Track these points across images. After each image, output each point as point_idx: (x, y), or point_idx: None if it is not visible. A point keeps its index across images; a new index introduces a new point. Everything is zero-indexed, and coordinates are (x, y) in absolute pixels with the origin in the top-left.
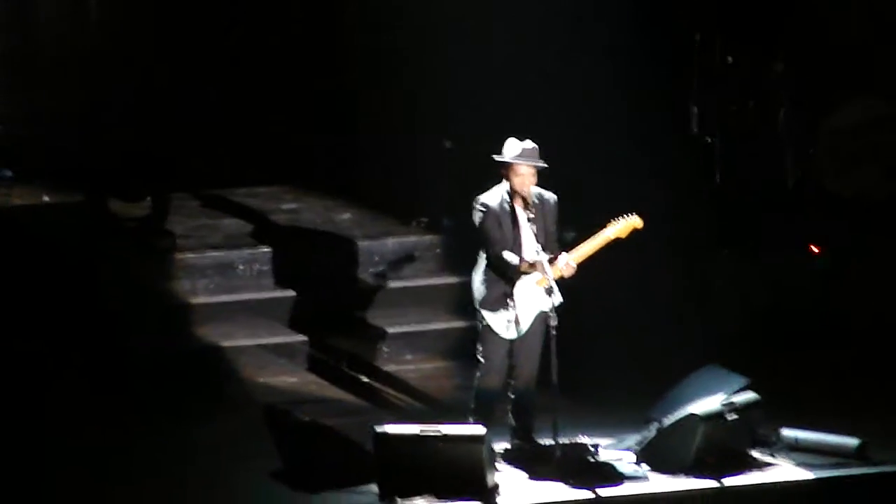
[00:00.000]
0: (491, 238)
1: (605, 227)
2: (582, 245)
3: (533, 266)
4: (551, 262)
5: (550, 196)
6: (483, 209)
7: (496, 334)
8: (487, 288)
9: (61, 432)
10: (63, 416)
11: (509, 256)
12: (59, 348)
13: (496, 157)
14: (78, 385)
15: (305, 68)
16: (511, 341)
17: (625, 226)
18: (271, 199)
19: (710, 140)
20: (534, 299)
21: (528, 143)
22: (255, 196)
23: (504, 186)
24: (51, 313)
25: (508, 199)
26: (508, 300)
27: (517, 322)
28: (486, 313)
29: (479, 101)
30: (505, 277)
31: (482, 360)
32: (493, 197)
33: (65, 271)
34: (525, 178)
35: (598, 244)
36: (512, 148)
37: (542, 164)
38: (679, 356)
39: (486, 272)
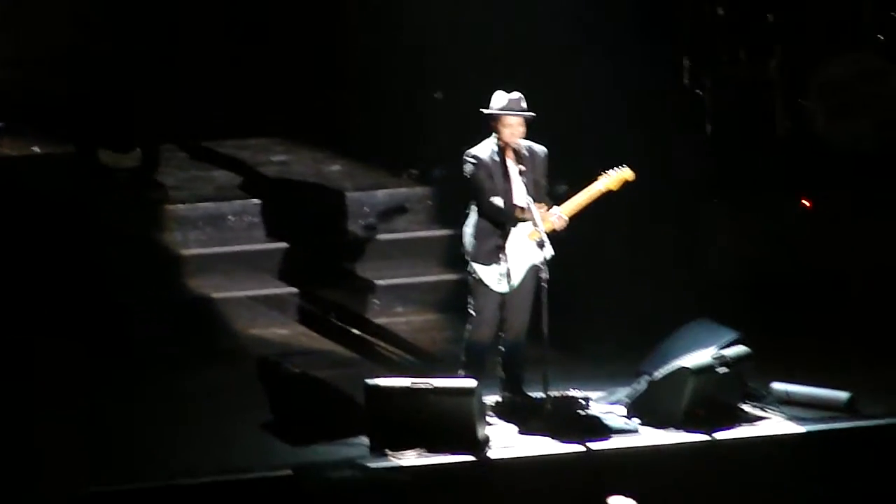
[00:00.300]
0: (483, 188)
1: (596, 179)
2: (573, 198)
3: (526, 211)
4: (543, 215)
5: (541, 149)
6: (473, 161)
7: (487, 287)
8: (479, 241)
9: (54, 384)
10: (55, 367)
11: (502, 204)
12: (50, 299)
13: (484, 111)
14: (70, 336)
15: (297, 20)
16: (502, 294)
17: (616, 178)
18: (262, 151)
19: (701, 92)
20: (525, 253)
21: (515, 95)
22: (245, 148)
23: (494, 139)
24: (41, 264)
25: (498, 152)
26: (500, 254)
27: (509, 275)
28: (477, 267)
29: (469, 52)
30: (499, 226)
31: (473, 313)
32: (483, 150)
33: (56, 222)
34: (513, 129)
35: (590, 197)
36: (499, 100)
37: (529, 114)
38: (670, 309)
39: (477, 225)
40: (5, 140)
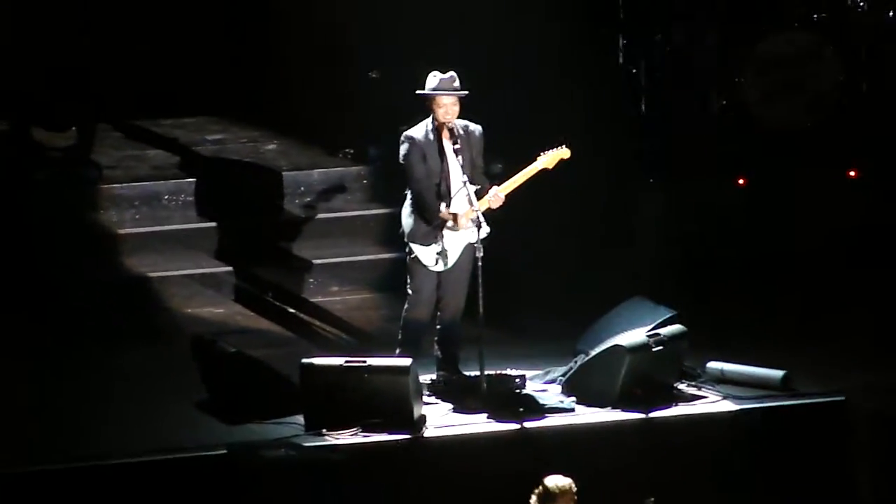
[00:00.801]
0: (414, 174)
1: (533, 159)
2: (511, 178)
3: (452, 218)
4: (479, 193)
5: (476, 127)
6: (407, 142)
7: (425, 266)
8: (416, 221)
9: None
10: None
11: (430, 200)
12: None
13: (418, 92)
14: (4, 315)
15: None
16: (439, 274)
17: (552, 157)
18: (197, 130)
19: (634, 70)
20: (461, 232)
21: (448, 74)
22: (181, 127)
23: (430, 119)
24: None
25: (434, 131)
26: (437, 233)
27: (445, 255)
28: (414, 246)
29: (405, 30)
30: (423, 218)
31: (411, 292)
32: (419, 130)
33: None
34: (447, 108)
35: (526, 175)
36: (432, 80)
37: (462, 93)
38: (606, 287)
39: (414, 205)
40: None
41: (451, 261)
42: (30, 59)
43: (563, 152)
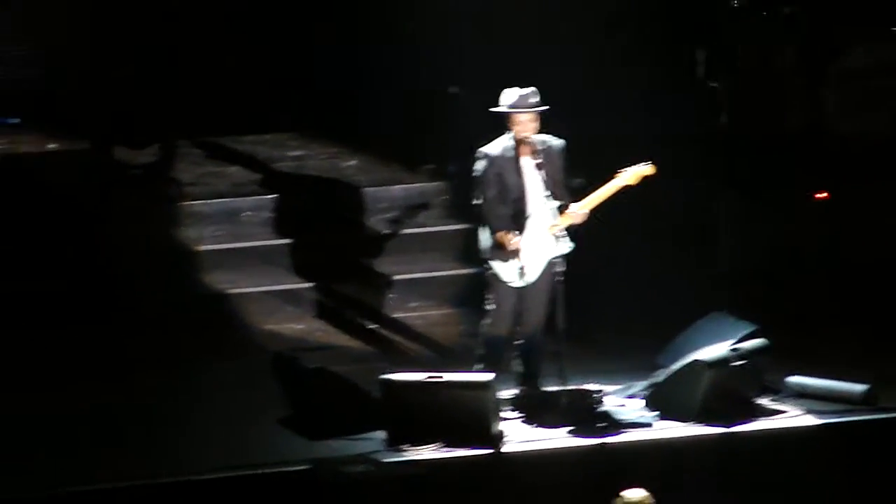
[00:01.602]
0: (485, 192)
1: (615, 175)
2: (592, 194)
3: (507, 242)
4: (561, 209)
5: (557, 142)
6: (484, 159)
7: (505, 282)
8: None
9: (68, 378)
10: (70, 362)
11: (493, 221)
12: (66, 295)
13: (493, 110)
14: (85, 332)
15: (311, 16)
16: (519, 289)
17: (635, 173)
18: (277, 147)
19: (716, 84)
20: (542, 247)
21: (525, 90)
22: (261, 143)
23: (508, 135)
24: (57, 261)
25: (512, 148)
26: (517, 249)
27: (525, 270)
28: (494, 263)
29: (485, 46)
30: (515, 221)
31: (490, 307)
32: (496, 146)
33: (71, 219)
34: (525, 125)
35: (609, 192)
36: (508, 97)
37: (539, 109)
38: (687, 303)
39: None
40: (22, 137)
41: (531, 277)
42: (111, 77)
43: (647, 169)
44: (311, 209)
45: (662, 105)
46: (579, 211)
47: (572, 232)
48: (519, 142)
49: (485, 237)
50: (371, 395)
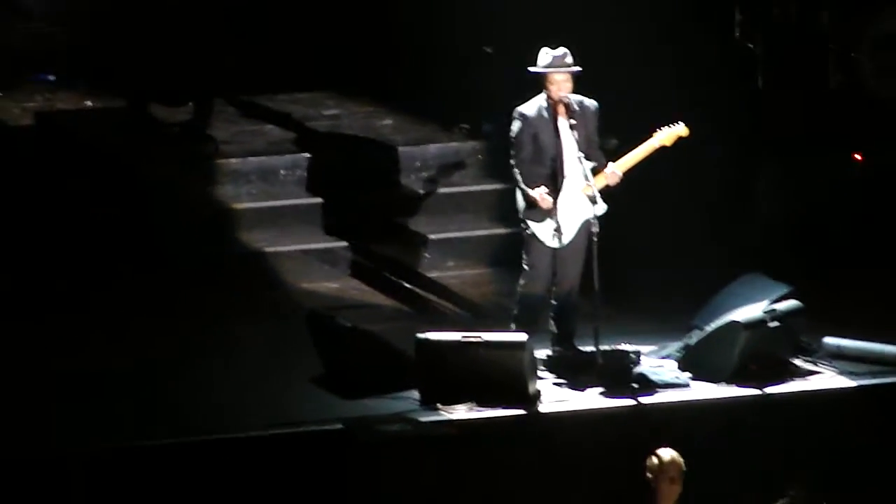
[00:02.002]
0: (520, 152)
1: (650, 135)
2: (628, 154)
3: (541, 200)
4: (596, 170)
5: (591, 103)
6: (519, 119)
7: (541, 242)
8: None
9: (106, 337)
10: (108, 321)
11: (527, 180)
12: (100, 253)
13: (530, 69)
14: (122, 290)
15: None
16: (555, 249)
17: (670, 134)
18: (312, 105)
19: (751, 45)
20: (578, 208)
21: (560, 51)
22: (296, 102)
23: (543, 96)
24: (93, 218)
25: (547, 108)
26: (552, 209)
27: (561, 231)
28: (530, 222)
29: (519, 5)
30: (550, 181)
31: (526, 267)
32: (531, 107)
33: (107, 176)
34: (560, 84)
35: (644, 153)
36: (543, 57)
37: (575, 69)
38: (722, 264)
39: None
40: (58, 94)
41: (567, 237)
42: (146, 34)
43: (682, 130)
44: (346, 168)
45: (698, 66)
46: (614, 172)
47: (608, 193)
48: (554, 102)
49: (521, 197)
50: (406, 354)
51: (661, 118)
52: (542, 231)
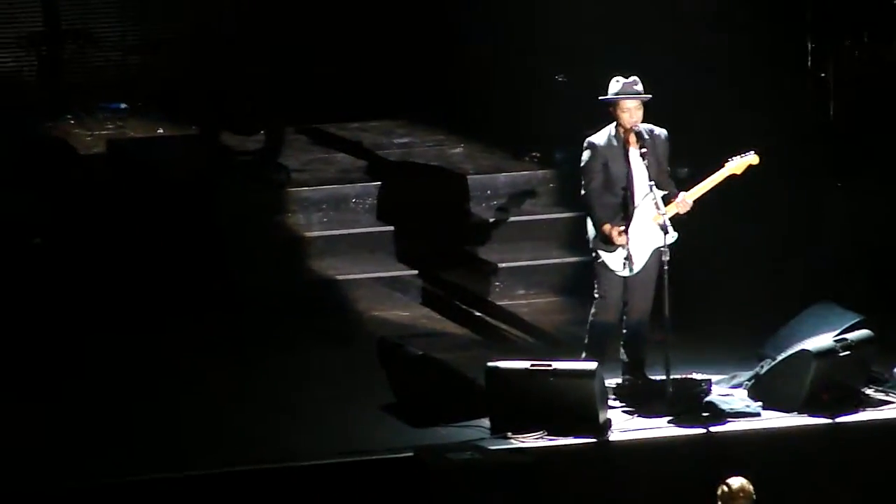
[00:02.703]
0: (590, 182)
1: (721, 164)
2: (699, 184)
3: (613, 235)
4: (666, 199)
5: (661, 131)
6: (589, 149)
7: (612, 271)
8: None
9: (175, 362)
10: (177, 347)
11: (600, 211)
12: (172, 280)
13: (600, 98)
14: (193, 318)
15: (420, 2)
16: (625, 278)
17: (741, 163)
18: (383, 134)
19: (823, 74)
20: (648, 236)
21: (630, 78)
22: (367, 130)
23: (614, 125)
24: (165, 246)
25: (618, 137)
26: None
27: (632, 259)
28: (601, 251)
29: (591, 34)
30: (622, 210)
31: (597, 296)
32: (601, 136)
33: (179, 204)
34: (631, 112)
35: (714, 181)
36: (614, 85)
37: (645, 97)
38: (792, 292)
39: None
40: (130, 122)
41: (638, 265)
42: (219, 63)
43: (752, 158)
44: (417, 196)
45: (771, 95)
46: (685, 200)
47: (678, 221)
48: (625, 131)
49: (591, 226)
50: (476, 382)
51: (731, 146)
52: (613, 260)
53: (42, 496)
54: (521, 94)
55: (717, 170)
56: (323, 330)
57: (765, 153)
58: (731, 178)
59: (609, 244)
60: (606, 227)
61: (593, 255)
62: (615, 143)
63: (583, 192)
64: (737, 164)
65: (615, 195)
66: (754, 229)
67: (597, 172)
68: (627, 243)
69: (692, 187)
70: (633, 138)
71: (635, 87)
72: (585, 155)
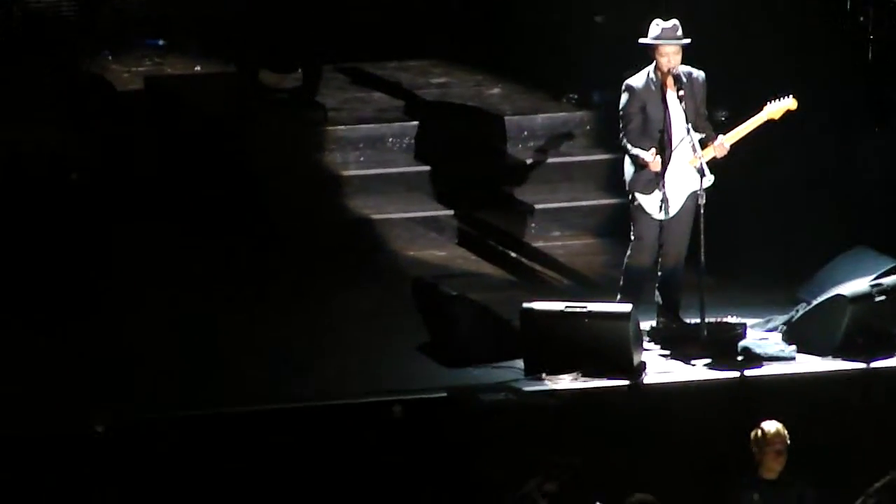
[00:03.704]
0: (628, 125)
1: (759, 108)
2: (737, 128)
3: (650, 161)
4: (704, 142)
5: (699, 74)
6: (628, 92)
7: (648, 214)
8: (638, 169)
9: (213, 302)
10: (212, 286)
11: (637, 150)
12: (209, 217)
13: (640, 41)
14: (228, 256)
15: None
16: (661, 221)
17: (779, 108)
18: (421, 73)
19: (863, 18)
20: (684, 179)
21: (670, 23)
22: (405, 70)
23: (652, 67)
24: (202, 182)
25: (656, 80)
26: (659, 181)
27: (668, 202)
28: (637, 194)
29: None
30: (659, 154)
31: (633, 238)
32: (640, 78)
33: (216, 142)
34: (669, 56)
35: (752, 125)
36: (654, 29)
37: (684, 41)
38: (828, 237)
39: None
40: (168, 59)
41: (674, 209)
42: (258, 1)
43: (790, 103)
44: (454, 137)
45: (809, 38)
46: (722, 144)
47: (715, 165)
48: (663, 74)
49: (629, 170)
50: (511, 323)
51: (770, 90)
52: (649, 203)
53: (57, 436)
54: (560, 36)
55: (756, 114)
56: (358, 269)
57: (803, 96)
58: (769, 123)
59: (645, 183)
60: (642, 154)
61: (630, 197)
62: (653, 86)
63: (620, 134)
64: (775, 109)
65: (652, 138)
66: (791, 173)
67: (635, 115)
68: (663, 185)
69: (730, 131)
70: (670, 81)
71: (676, 33)
72: (623, 97)
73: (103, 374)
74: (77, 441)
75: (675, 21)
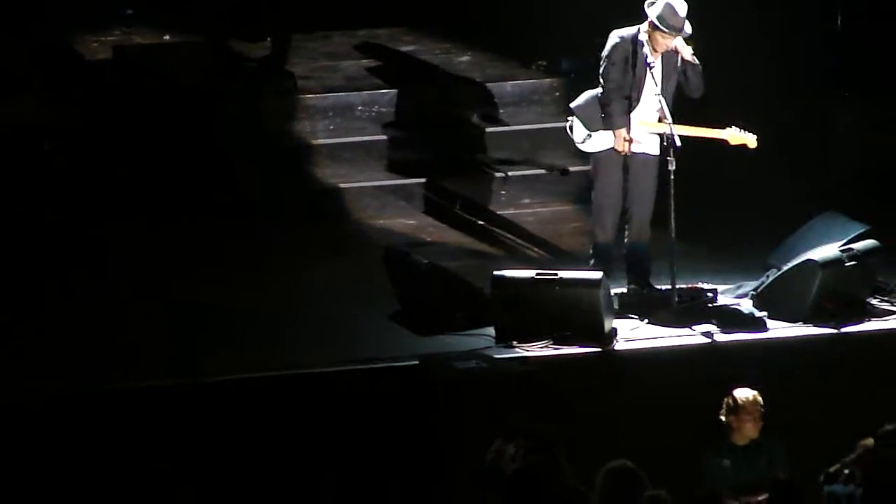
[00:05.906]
0: (609, 74)
1: (724, 126)
2: (692, 127)
3: (622, 145)
4: (660, 117)
5: (693, 58)
6: (616, 41)
7: (606, 166)
8: (591, 104)
9: (181, 271)
10: (180, 254)
11: (616, 110)
12: (179, 187)
13: (651, 20)
14: (197, 224)
15: None
16: (624, 185)
17: (739, 138)
18: (390, 41)
19: None
20: (642, 139)
21: (683, 13)
22: (374, 38)
23: (647, 29)
24: (170, 153)
25: (647, 41)
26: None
27: (591, 138)
28: (575, 118)
29: None
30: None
31: (596, 199)
32: (630, 31)
33: (185, 111)
34: (667, 43)
35: (704, 135)
36: (668, 12)
37: (684, 33)
38: (798, 202)
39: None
40: (136, 28)
41: (594, 147)
42: None
43: (751, 140)
44: (424, 104)
45: (780, 9)
46: (670, 131)
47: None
48: (654, 43)
49: (584, 97)
50: (482, 291)
51: (740, 63)
52: (577, 130)
53: (56, 399)
54: (529, 3)
55: (717, 128)
56: (328, 238)
57: (774, 61)
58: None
59: (591, 124)
60: (619, 132)
61: (566, 119)
62: (638, 47)
63: (603, 83)
64: (735, 136)
65: (624, 94)
66: (761, 139)
67: (618, 63)
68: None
69: (688, 125)
70: (661, 46)
71: (685, 29)
72: (610, 42)
73: (71, 350)
74: (57, 408)
75: (683, 9)
